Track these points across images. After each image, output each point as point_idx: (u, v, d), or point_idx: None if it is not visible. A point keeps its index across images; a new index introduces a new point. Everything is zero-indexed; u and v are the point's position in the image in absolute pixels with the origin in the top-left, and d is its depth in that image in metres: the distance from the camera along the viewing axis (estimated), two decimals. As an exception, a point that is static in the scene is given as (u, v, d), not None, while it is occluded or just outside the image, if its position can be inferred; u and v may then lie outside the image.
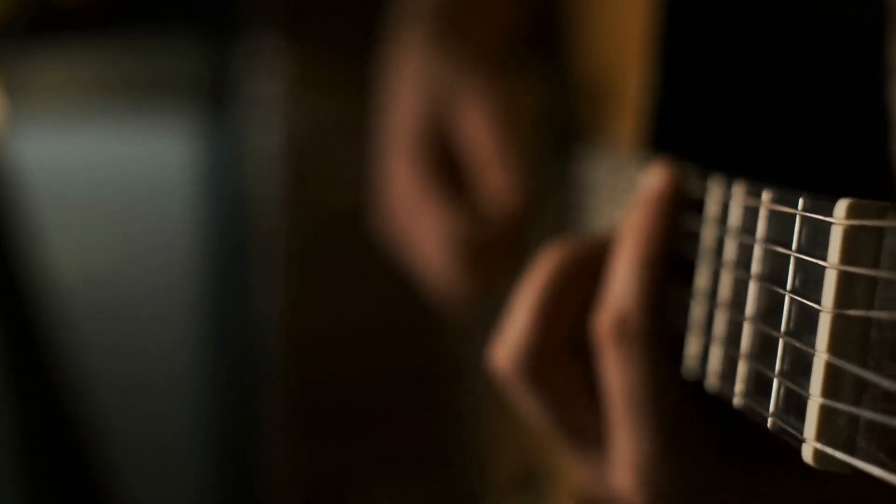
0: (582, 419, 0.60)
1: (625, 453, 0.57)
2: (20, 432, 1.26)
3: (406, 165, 0.98)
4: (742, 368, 0.49)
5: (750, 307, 0.48)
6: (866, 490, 0.52)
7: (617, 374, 0.56)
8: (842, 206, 0.40)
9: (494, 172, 0.91)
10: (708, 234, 0.54)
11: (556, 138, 0.98)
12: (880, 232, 0.38)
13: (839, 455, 0.39)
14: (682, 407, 0.56)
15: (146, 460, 1.58)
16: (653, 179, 0.57)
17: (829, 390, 0.40)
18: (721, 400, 0.53)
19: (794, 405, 0.43)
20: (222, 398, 1.61)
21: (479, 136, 0.92)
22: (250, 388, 1.56)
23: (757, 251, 0.48)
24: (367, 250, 1.39)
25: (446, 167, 0.97)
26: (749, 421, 0.54)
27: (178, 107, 1.57)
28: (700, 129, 0.71)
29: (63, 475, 1.30)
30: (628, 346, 0.55)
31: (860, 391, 0.39)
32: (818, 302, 0.41)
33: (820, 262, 0.41)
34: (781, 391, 0.44)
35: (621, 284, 0.56)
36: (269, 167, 1.50)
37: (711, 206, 0.54)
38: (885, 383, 0.37)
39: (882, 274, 0.38)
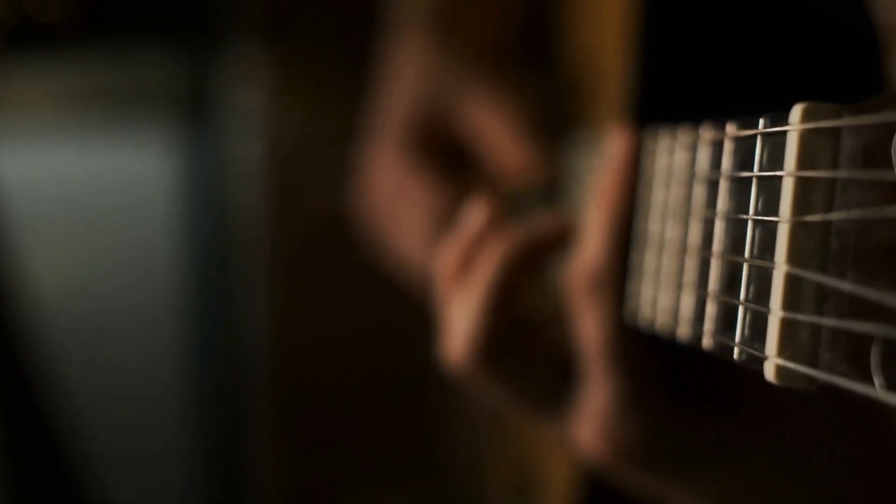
0: (544, 382, 0.63)
1: (592, 403, 0.59)
2: (2, 447, 1.25)
3: (393, 150, 0.99)
4: (711, 307, 0.47)
5: (717, 244, 0.47)
6: (823, 415, 0.52)
7: (591, 325, 0.59)
8: (797, 109, 0.39)
9: (515, 151, 0.92)
10: (675, 185, 0.54)
11: (547, 137, 0.98)
12: (837, 133, 0.37)
13: (801, 369, 0.38)
14: (645, 358, 0.59)
15: (133, 472, 1.57)
16: (615, 145, 0.60)
17: (790, 302, 0.38)
18: (683, 349, 0.53)
19: (758, 328, 0.41)
20: (209, 409, 1.60)
21: (493, 123, 0.93)
22: (237, 398, 1.54)
23: (723, 186, 0.47)
24: (351, 259, 1.39)
25: (437, 157, 0.98)
26: (702, 372, 0.58)
27: (159, 118, 1.56)
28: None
29: (47, 488, 1.28)
30: (603, 297, 0.58)
31: (822, 300, 0.37)
32: (777, 216, 0.40)
33: (777, 174, 0.40)
34: (747, 318, 0.43)
35: (593, 242, 0.59)
36: (251, 178, 1.49)
37: (680, 156, 0.54)
38: (848, 287, 0.35)
39: (841, 175, 0.36)
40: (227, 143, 1.51)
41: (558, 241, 0.66)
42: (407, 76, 0.99)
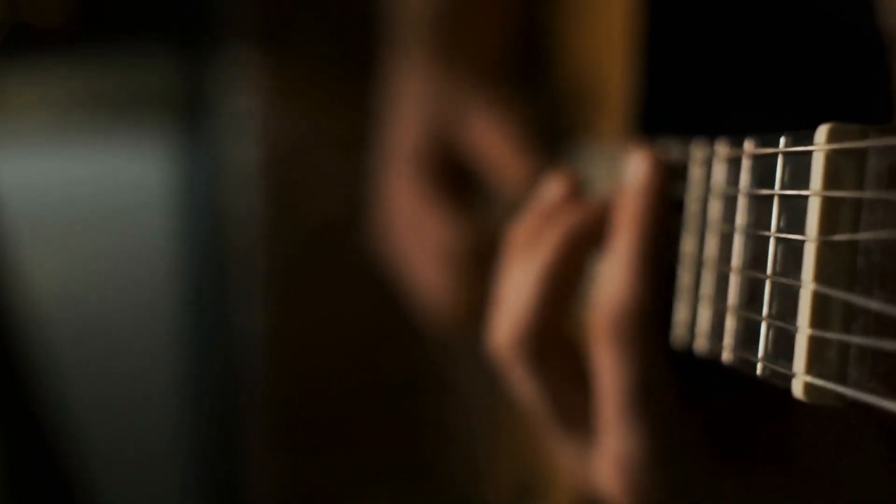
0: (575, 403, 0.58)
1: (613, 451, 0.54)
2: None
3: (408, 181, 0.99)
4: (730, 322, 0.48)
5: (736, 258, 0.48)
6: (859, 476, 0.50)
7: (611, 373, 0.53)
8: (822, 130, 0.39)
9: (515, 167, 0.91)
10: (693, 200, 0.54)
11: (547, 148, 0.99)
12: (863, 153, 0.38)
13: (830, 386, 0.38)
14: (675, 406, 0.54)
15: (128, 479, 1.56)
16: (638, 166, 0.55)
17: (818, 320, 0.39)
18: (721, 395, 0.52)
19: (783, 345, 0.42)
20: (206, 412, 1.60)
21: (494, 143, 0.93)
22: (234, 401, 1.54)
23: (741, 202, 0.48)
24: (348, 263, 1.39)
25: (449, 182, 0.97)
26: (742, 415, 0.54)
27: (156, 122, 1.56)
28: (690, 111, 0.71)
29: (44, 492, 1.28)
30: (624, 345, 0.53)
31: (849, 319, 0.38)
32: (803, 234, 0.40)
33: (803, 193, 0.40)
34: (770, 334, 0.43)
35: (617, 279, 0.54)
36: (248, 182, 1.49)
37: (694, 171, 0.54)
38: (875, 306, 0.36)
39: (867, 195, 0.37)
40: (223, 147, 1.51)
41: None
42: (410, 101, 0.99)
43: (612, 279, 0.54)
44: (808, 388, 0.39)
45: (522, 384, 0.59)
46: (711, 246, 0.51)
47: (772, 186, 0.44)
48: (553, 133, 0.95)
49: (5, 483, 1.24)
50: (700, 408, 0.55)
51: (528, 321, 0.57)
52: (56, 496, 1.30)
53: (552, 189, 0.62)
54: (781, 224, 0.43)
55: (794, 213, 0.42)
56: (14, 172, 1.48)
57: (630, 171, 0.56)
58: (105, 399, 1.57)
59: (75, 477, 1.31)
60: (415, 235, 0.99)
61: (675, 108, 0.70)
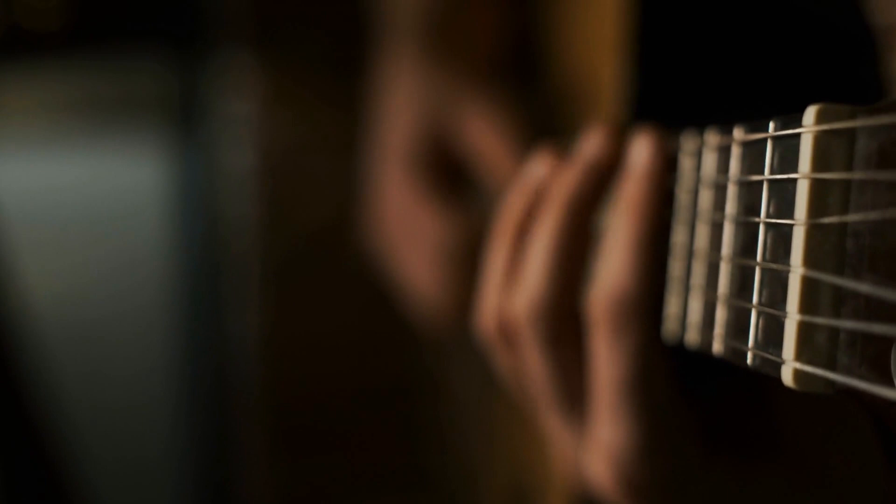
0: (582, 384, 0.56)
1: (605, 442, 0.53)
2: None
3: (401, 176, 0.98)
4: (721, 312, 0.47)
5: (726, 247, 0.47)
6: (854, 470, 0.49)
7: (605, 361, 0.52)
8: (811, 111, 0.38)
9: (508, 164, 0.90)
10: (683, 191, 0.53)
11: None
12: (852, 134, 0.37)
13: (820, 373, 0.37)
14: (669, 399, 0.53)
15: (122, 485, 1.56)
16: (642, 151, 0.54)
17: (807, 305, 0.38)
18: (717, 386, 0.51)
19: (773, 333, 0.41)
20: (200, 420, 1.59)
21: (487, 139, 0.92)
22: (228, 407, 1.54)
23: (731, 191, 0.47)
24: (343, 268, 1.39)
25: (442, 178, 0.97)
26: (733, 409, 0.54)
27: (151, 127, 1.56)
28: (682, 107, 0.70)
29: (38, 500, 1.27)
30: (621, 333, 0.52)
31: (839, 303, 0.37)
32: (792, 219, 0.39)
33: (792, 177, 0.39)
34: (760, 322, 0.42)
35: (618, 262, 0.52)
36: (242, 187, 1.48)
37: (685, 162, 0.53)
38: (865, 288, 0.35)
39: (856, 176, 0.36)
40: (218, 152, 1.51)
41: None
42: (402, 97, 0.99)
43: (611, 265, 0.52)
44: (798, 375, 0.38)
45: (528, 363, 0.57)
46: (702, 236, 0.50)
47: (761, 172, 0.43)
48: (548, 131, 0.95)
49: (0, 488, 1.24)
50: (692, 402, 0.54)
51: (544, 294, 0.55)
52: (52, 501, 1.29)
53: (538, 166, 0.60)
54: (771, 210, 0.42)
55: (784, 198, 0.41)
56: (8, 176, 1.48)
57: (632, 157, 0.55)
58: (100, 404, 1.57)
59: (71, 482, 1.31)
60: (408, 231, 0.99)
61: (667, 106, 0.70)
